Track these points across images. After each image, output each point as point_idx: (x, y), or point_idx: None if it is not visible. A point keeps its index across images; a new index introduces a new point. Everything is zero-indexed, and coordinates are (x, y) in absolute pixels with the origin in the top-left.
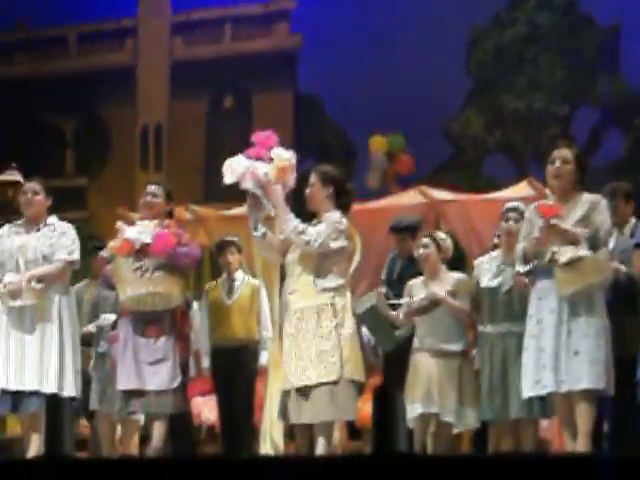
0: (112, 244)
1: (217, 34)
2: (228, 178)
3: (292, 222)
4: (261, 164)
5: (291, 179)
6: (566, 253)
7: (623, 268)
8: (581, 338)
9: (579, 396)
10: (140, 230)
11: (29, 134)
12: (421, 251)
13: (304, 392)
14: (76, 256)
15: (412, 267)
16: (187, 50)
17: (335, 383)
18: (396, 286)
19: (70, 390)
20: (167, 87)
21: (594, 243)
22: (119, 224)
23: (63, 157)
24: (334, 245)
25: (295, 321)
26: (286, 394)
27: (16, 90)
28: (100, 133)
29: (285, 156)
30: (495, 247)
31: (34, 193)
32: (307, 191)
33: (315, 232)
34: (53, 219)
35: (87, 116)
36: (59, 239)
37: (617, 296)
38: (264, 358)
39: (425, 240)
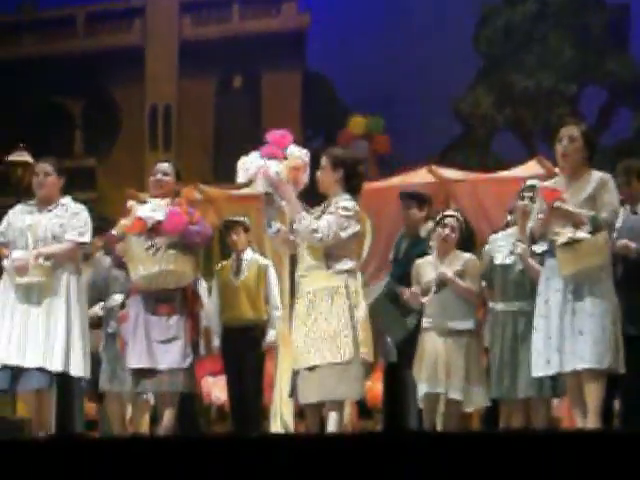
0: (124, 222)
1: (225, 14)
2: (241, 177)
3: (304, 221)
4: (274, 163)
5: (304, 177)
6: (565, 234)
7: (632, 245)
8: (585, 318)
9: (587, 375)
10: (153, 208)
11: (38, 115)
12: (447, 232)
13: (316, 371)
14: (87, 238)
15: (418, 246)
16: (195, 30)
17: (348, 363)
18: (402, 265)
19: (77, 370)
20: (176, 67)
21: (598, 224)
22: (131, 202)
23: (72, 138)
24: (345, 234)
25: (307, 302)
26: (297, 373)
27: (25, 71)
28: (109, 114)
29: (298, 155)
30: (507, 225)
31: (46, 174)
32: (317, 174)
33: (326, 226)
34: (67, 199)
35: (96, 97)
36: (70, 220)
37: (627, 273)
38: (271, 335)
39: (452, 222)
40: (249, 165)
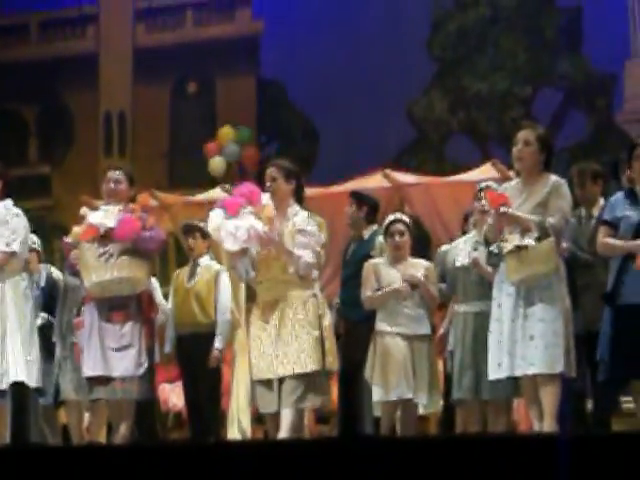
0: (76, 230)
1: (179, 20)
2: (232, 245)
3: (303, 260)
4: (255, 221)
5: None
6: (511, 241)
7: (563, 244)
8: (536, 322)
9: (541, 379)
10: (104, 215)
11: None
12: (397, 239)
13: (286, 380)
14: (15, 246)
15: (363, 247)
16: (149, 36)
17: (317, 373)
18: (349, 266)
19: (21, 376)
20: (130, 74)
21: (545, 230)
22: (83, 209)
23: (26, 145)
24: (320, 248)
25: (278, 312)
26: (267, 382)
27: None
28: (63, 120)
29: (269, 203)
30: (464, 233)
31: None
32: (269, 185)
33: (312, 254)
34: (3, 205)
35: (50, 103)
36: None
37: None
38: (219, 341)
39: (401, 227)
40: (236, 233)
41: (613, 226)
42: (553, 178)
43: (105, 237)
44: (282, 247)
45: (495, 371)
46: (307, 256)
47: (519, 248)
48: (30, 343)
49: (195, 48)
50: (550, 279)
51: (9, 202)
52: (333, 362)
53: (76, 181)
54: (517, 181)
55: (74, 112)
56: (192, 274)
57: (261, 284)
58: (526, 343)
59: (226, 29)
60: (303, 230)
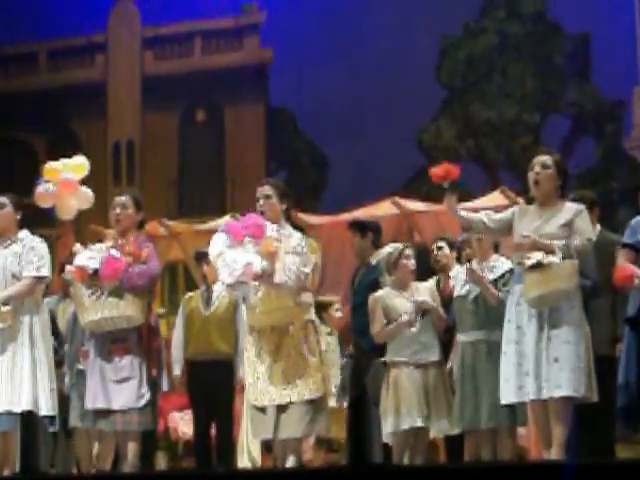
0: (69, 268)
1: (187, 48)
2: (227, 278)
3: (288, 284)
4: (254, 256)
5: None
6: (534, 257)
7: None
8: (561, 345)
9: (559, 403)
10: (90, 256)
11: (1, 151)
12: (412, 262)
13: (292, 407)
14: (44, 272)
15: (372, 274)
16: (158, 65)
17: (321, 399)
18: (357, 295)
19: (45, 409)
20: (138, 102)
21: (569, 252)
22: (76, 247)
23: (36, 174)
24: (309, 269)
25: (276, 338)
26: (261, 409)
27: None
28: (72, 149)
29: (274, 236)
30: (458, 260)
31: (0, 206)
32: (263, 202)
33: (303, 275)
34: (23, 234)
35: (59, 132)
36: (27, 255)
37: None
38: (242, 371)
39: (411, 252)
40: (232, 264)
41: (635, 249)
42: (574, 204)
43: (95, 276)
44: (277, 285)
45: (513, 395)
46: (295, 283)
47: (541, 265)
48: (53, 371)
49: (203, 76)
50: (572, 300)
51: (27, 231)
52: (330, 388)
53: (85, 210)
54: (531, 206)
55: (83, 140)
56: (208, 301)
57: (257, 310)
58: (550, 366)
59: (235, 57)
60: (298, 253)
